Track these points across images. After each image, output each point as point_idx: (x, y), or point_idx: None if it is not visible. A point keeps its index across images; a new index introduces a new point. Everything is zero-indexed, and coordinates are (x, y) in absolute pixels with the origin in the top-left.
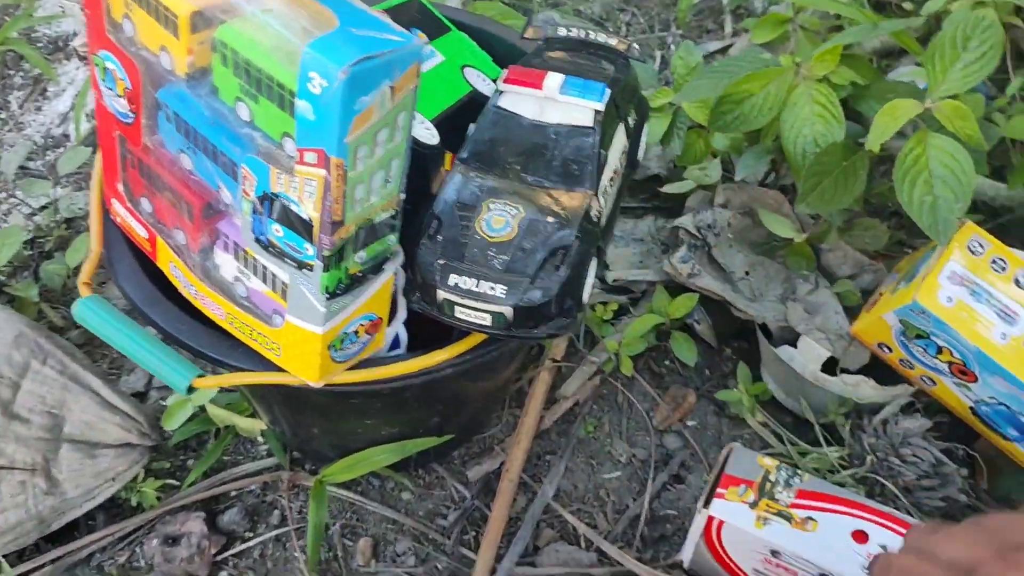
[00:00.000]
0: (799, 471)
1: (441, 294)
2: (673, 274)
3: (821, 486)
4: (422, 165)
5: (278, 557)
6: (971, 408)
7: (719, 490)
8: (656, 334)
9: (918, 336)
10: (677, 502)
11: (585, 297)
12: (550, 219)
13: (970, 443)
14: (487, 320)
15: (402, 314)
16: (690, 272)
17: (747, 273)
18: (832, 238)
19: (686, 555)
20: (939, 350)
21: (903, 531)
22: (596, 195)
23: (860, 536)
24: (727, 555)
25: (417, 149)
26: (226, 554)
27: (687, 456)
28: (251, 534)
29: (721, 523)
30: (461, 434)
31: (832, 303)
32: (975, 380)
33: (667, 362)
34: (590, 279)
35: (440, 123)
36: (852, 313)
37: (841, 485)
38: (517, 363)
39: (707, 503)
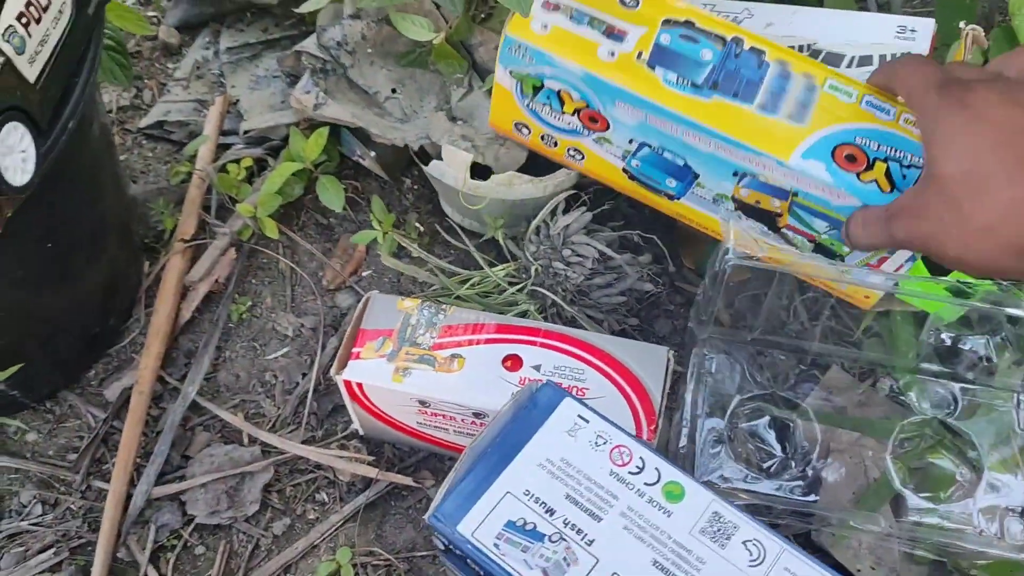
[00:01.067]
0: (444, 306)
1: None
2: (300, 109)
3: (467, 316)
4: None
5: None
6: (624, 171)
7: (355, 349)
8: (308, 182)
9: (535, 90)
10: None
11: (17, 178)
12: None
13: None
14: None
15: None
16: (315, 103)
17: (394, 91)
18: (465, 29)
19: (356, 423)
20: (560, 100)
21: (559, 344)
22: None
23: (513, 362)
24: (386, 414)
25: None
26: None
27: None
28: None
29: (360, 384)
30: (79, 353)
31: (484, 103)
32: (607, 127)
33: (337, 211)
34: (17, 154)
35: None
36: None
37: (514, 304)
38: (96, 262)
39: (343, 367)
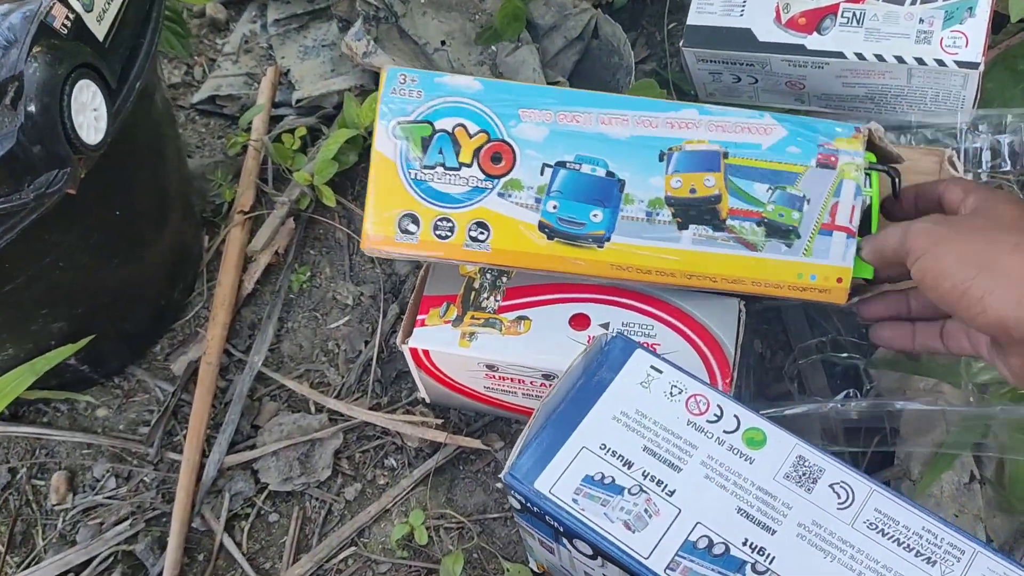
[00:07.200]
0: (507, 269)
1: None
2: (349, 55)
3: (532, 278)
4: None
5: None
6: (541, 228)
7: (419, 316)
8: (362, 150)
9: (424, 146)
10: None
11: (91, 136)
12: None
13: None
14: None
15: None
16: (365, 50)
17: (443, 43)
18: None
19: (421, 390)
20: (455, 143)
21: (626, 301)
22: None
23: (580, 321)
24: (453, 380)
25: None
26: None
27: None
28: None
29: (427, 351)
30: (146, 327)
31: (531, 60)
32: (513, 161)
33: None
34: (90, 112)
35: None
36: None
37: None
38: (161, 233)
39: (408, 335)
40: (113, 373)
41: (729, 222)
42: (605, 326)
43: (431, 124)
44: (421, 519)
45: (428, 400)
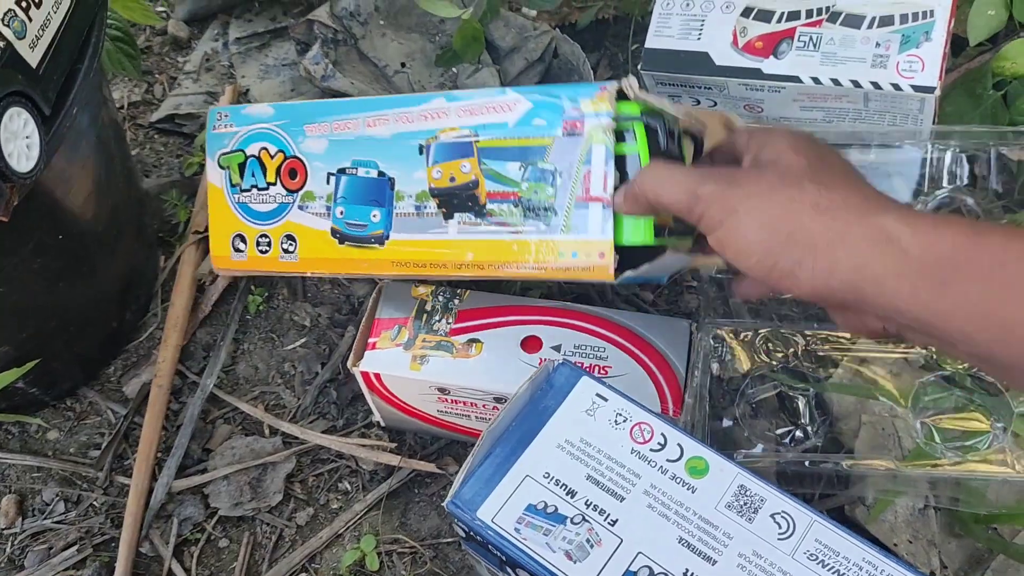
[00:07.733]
0: (459, 291)
1: None
2: (308, 79)
3: (483, 300)
4: None
5: None
6: (334, 234)
7: (371, 339)
8: None
9: (241, 172)
10: None
11: (22, 164)
12: None
13: None
14: None
15: None
16: (323, 74)
17: (404, 65)
18: (495, 9)
19: (376, 413)
20: (263, 167)
21: (578, 323)
22: None
23: (532, 343)
24: (406, 404)
25: None
26: None
27: None
28: None
29: (378, 375)
30: (98, 349)
31: (492, 83)
32: (305, 175)
33: None
34: (21, 140)
35: None
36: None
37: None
38: (111, 256)
39: (359, 358)
40: (65, 395)
41: (488, 206)
42: (557, 348)
43: (243, 151)
44: (373, 545)
45: (383, 423)
